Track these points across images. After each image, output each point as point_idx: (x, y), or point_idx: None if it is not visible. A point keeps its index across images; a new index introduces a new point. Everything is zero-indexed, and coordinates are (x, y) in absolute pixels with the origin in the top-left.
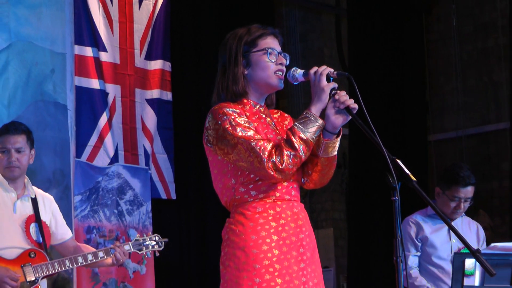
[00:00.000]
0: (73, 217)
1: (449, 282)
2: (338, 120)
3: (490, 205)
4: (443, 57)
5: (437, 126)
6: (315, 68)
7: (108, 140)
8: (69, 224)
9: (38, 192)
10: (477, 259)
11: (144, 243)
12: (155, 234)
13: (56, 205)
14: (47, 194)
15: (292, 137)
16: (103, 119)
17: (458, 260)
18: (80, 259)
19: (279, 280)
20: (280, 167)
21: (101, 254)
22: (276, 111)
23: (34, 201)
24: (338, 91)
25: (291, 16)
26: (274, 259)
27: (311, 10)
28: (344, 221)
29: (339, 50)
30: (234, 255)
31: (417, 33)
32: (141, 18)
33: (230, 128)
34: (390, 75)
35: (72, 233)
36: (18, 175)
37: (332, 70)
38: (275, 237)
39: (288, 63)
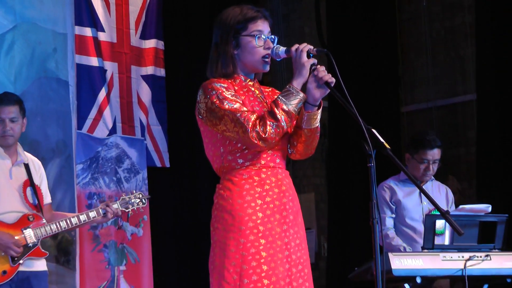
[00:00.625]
0: (75, 184)
1: (421, 242)
2: (318, 93)
3: (458, 170)
4: (414, 35)
5: (409, 99)
6: (296, 46)
7: (107, 113)
8: (72, 190)
9: (29, 157)
10: (447, 220)
11: (130, 201)
12: (139, 192)
13: (43, 169)
14: (35, 159)
15: (275, 109)
16: (102, 94)
17: (429, 221)
18: (74, 220)
19: (262, 241)
20: (263, 136)
21: (92, 214)
22: (268, 87)
23: (27, 166)
24: (318, 66)
25: (277, 7)
26: (258, 221)
27: (292, 2)
28: (324, 186)
29: (318, 29)
30: (222, 218)
31: (390, 13)
32: (136, 0)
33: (217, 102)
34: (365, 52)
35: (75, 199)
36: (12, 143)
37: (312, 47)
38: (259, 201)
39: (276, 41)
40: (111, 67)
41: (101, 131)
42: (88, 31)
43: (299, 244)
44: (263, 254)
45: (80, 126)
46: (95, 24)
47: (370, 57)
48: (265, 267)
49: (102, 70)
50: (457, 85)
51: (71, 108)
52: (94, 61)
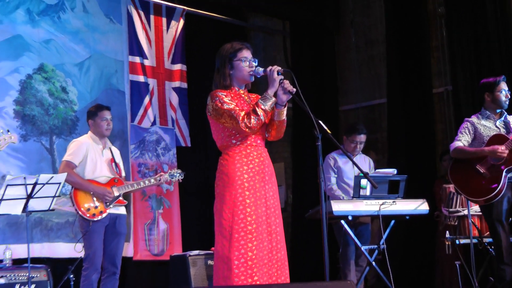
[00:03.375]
0: (130, 158)
1: (352, 193)
2: (284, 98)
3: (376, 147)
4: (347, 59)
5: (344, 101)
6: (270, 67)
7: (150, 112)
8: (127, 161)
9: (112, 146)
10: (367, 179)
11: (174, 174)
12: (179, 170)
13: (119, 153)
14: (115, 148)
15: (257, 108)
16: (146, 100)
17: (356, 180)
18: (141, 183)
19: (247, 192)
20: (249, 125)
21: (152, 181)
22: (254, 94)
23: (111, 151)
24: (284, 81)
25: (257, 37)
26: (245, 180)
27: (268, 33)
28: (290, 158)
29: (285, 56)
30: (221, 178)
31: (331, 46)
32: (168, 38)
33: (219, 104)
34: (315, 70)
35: (129, 167)
36: (109, 134)
37: (280, 68)
38: (245, 167)
39: (256, 64)
40: (152, 82)
41: (146, 123)
42: (137, 59)
43: (273, 195)
44: (248, 201)
45: (132, 120)
46: (142, 54)
47: (318, 74)
48: (249, 209)
49: (146, 84)
50: (375, 92)
51: (126, 109)
52: (141, 78)
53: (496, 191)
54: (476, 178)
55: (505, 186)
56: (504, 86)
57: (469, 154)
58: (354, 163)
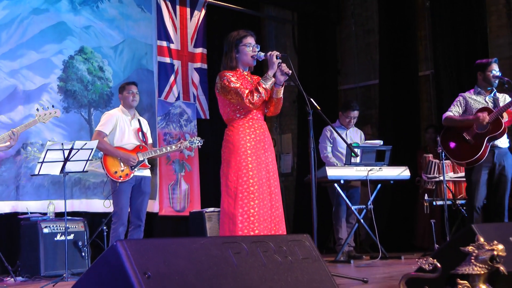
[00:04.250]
0: (157, 128)
1: (344, 160)
2: (282, 79)
3: (370, 121)
4: (347, 47)
5: (344, 82)
6: (270, 52)
7: (174, 89)
8: (155, 131)
9: (140, 117)
10: (350, 149)
11: (194, 141)
12: (199, 137)
13: (147, 124)
14: (143, 119)
15: (259, 87)
16: (172, 78)
17: (348, 149)
18: (164, 149)
19: (249, 159)
20: (252, 101)
21: (174, 147)
22: (255, 75)
23: (139, 121)
24: (282, 64)
25: (269, 26)
26: (248, 148)
27: (279, 22)
28: (296, 130)
29: (294, 42)
30: (227, 146)
31: (333, 34)
32: (191, 25)
33: (227, 83)
34: (319, 56)
35: (156, 135)
36: (135, 105)
37: (278, 53)
38: (248, 137)
39: (259, 49)
40: (177, 63)
41: (171, 98)
42: (164, 43)
43: (272, 161)
44: (250, 166)
45: (159, 95)
46: (168, 38)
47: (322, 59)
48: (251, 173)
49: (171, 65)
50: (370, 74)
51: (154, 86)
52: (167, 60)
53: (478, 155)
54: (462, 144)
55: (487, 153)
56: (495, 67)
57: (457, 122)
58: (340, 137)
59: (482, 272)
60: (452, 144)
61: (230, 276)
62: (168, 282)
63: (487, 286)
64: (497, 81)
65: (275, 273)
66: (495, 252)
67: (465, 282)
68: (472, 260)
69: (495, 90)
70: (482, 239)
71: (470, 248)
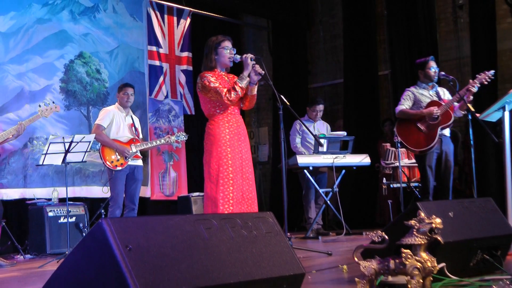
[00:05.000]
0: (148, 123)
1: (313, 149)
2: (255, 78)
3: (337, 115)
4: (316, 49)
5: (313, 80)
6: (245, 55)
7: (164, 88)
8: (147, 126)
9: (133, 114)
10: (316, 139)
11: (180, 136)
12: (184, 133)
13: (138, 120)
14: (135, 116)
15: (235, 86)
16: (161, 79)
17: (316, 139)
18: (154, 143)
19: (228, 149)
20: (230, 98)
21: (163, 141)
22: (231, 74)
23: (132, 118)
24: (255, 65)
25: (248, 32)
26: (227, 139)
27: (256, 29)
28: (271, 123)
29: (269, 46)
30: (209, 138)
31: (303, 39)
32: (178, 32)
33: (207, 83)
34: (291, 57)
35: (148, 130)
36: (130, 105)
37: (252, 55)
38: (227, 130)
39: (235, 52)
40: (165, 66)
41: (160, 97)
42: (154, 48)
43: (246, 151)
44: (229, 155)
45: (150, 94)
46: (157, 44)
47: (293, 60)
48: (230, 162)
49: (161, 68)
50: (336, 74)
51: (145, 86)
52: (157, 63)
53: (433, 143)
54: (416, 134)
55: (436, 140)
56: (433, 64)
57: (411, 115)
58: (307, 129)
59: (423, 242)
60: (408, 134)
61: (201, 248)
62: (147, 253)
63: (426, 254)
64: (436, 77)
65: (241, 245)
66: (433, 225)
67: (408, 251)
68: (414, 232)
69: (436, 85)
70: (422, 214)
71: (412, 222)
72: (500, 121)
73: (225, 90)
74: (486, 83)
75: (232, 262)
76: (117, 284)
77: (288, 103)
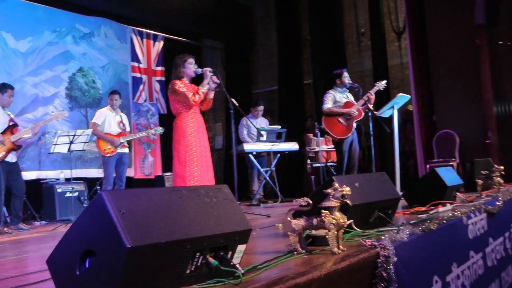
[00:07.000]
0: (132, 120)
1: (256, 139)
2: (213, 86)
3: (273, 113)
4: (257, 65)
5: (255, 88)
6: (205, 68)
7: (143, 94)
8: (131, 123)
9: (121, 113)
10: (258, 131)
11: (158, 130)
12: (160, 127)
13: (126, 117)
14: (124, 114)
15: (198, 91)
16: (141, 87)
17: (258, 131)
18: (137, 135)
19: (193, 139)
20: (195, 100)
21: (144, 133)
22: (193, 84)
23: (120, 116)
24: (213, 76)
25: (207, 52)
26: (192, 131)
27: (213, 49)
28: (225, 119)
29: (223, 63)
30: (177, 131)
31: (248, 57)
32: (154, 51)
33: (177, 87)
34: (240, 72)
35: (131, 126)
36: (117, 107)
37: (210, 69)
38: (191, 124)
39: (197, 66)
40: (144, 77)
41: (141, 100)
42: (136, 64)
43: (206, 141)
44: (194, 143)
45: (133, 98)
46: (138, 60)
47: (241, 73)
48: (195, 148)
49: (141, 78)
50: (273, 82)
51: (129, 92)
52: (138, 75)
53: (350, 133)
54: (338, 126)
55: (352, 130)
56: (346, 74)
57: (336, 112)
58: (252, 124)
59: (337, 205)
60: (333, 126)
61: (176, 211)
62: (136, 216)
63: (339, 213)
64: (348, 85)
65: (205, 209)
66: (344, 192)
67: (327, 212)
68: (331, 198)
69: (347, 90)
70: (337, 184)
71: (329, 190)
72: (391, 117)
73: (191, 94)
74: (382, 89)
75: (198, 221)
76: (113, 238)
77: (237, 105)
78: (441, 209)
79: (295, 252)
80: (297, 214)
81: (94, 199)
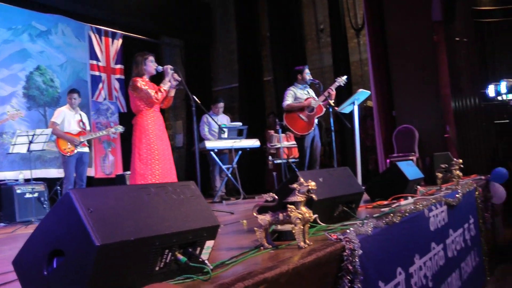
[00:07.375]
0: (91, 119)
1: (217, 136)
2: (174, 83)
3: (233, 110)
4: (217, 62)
5: (216, 85)
6: (165, 66)
7: (102, 92)
8: (90, 122)
9: (81, 112)
10: (220, 128)
11: (118, 128)
12: (120, 126)
13: (86, 116)
14: (83, 113)
15: (161, 88)
16: (100, 85)
17: (219, 128)
18: (97, 134)
19: (153, 137)
20: (157, 98)
21: (105, 132)
22: (153, 82)
23: (80, 115)
24: (174, 73)
25: (166, 49)
26: (152, 129)
27: (172, 47)
28: (185, 117)
29: (182, 60)
30: (137, 129)
31: (207, 54)
32: (113, 49)
33: (139, 85)
34: (200, 69)
35: (91, 124)
36: (76, 106)
37: (171, 66)
38: (151, 122)
39: (157, 64)
40: (103, 75)
41: (100, 99)
42: (94, 62)
43: (166, 138)
44: (155, 141)
45: (92, 97)
46: (97, 58)
47: (201, 70)
48: (156, 146)
49: (100, 77)
50: (233, 79)
51: (88, 91)
52: (97, 73)
53: (312, 129)
54: (300, 122)
55: (313, 126)
56: (307, 70)
57: (295, 107)
58: (213, 120)
59: (302, 199)
60: (294, 122)
61: (143, 209)
62: (104, 214)
63: (305, 208)
64: (309, 81)
65: (173, 205)
66: (310, 187)
67: (292, 206)
68: (296, 193)
69: (308, 86)
70: (302, 179)
71: (295, 185)
72: (352, 112)
73: (153, 92)
74: (342, 85)
75: (167, 218)
76: (82, 237)
77: (199, 102)
78: (403, 202)
79: (262, 247)
80: (262, 210)
81: (62, 198)
